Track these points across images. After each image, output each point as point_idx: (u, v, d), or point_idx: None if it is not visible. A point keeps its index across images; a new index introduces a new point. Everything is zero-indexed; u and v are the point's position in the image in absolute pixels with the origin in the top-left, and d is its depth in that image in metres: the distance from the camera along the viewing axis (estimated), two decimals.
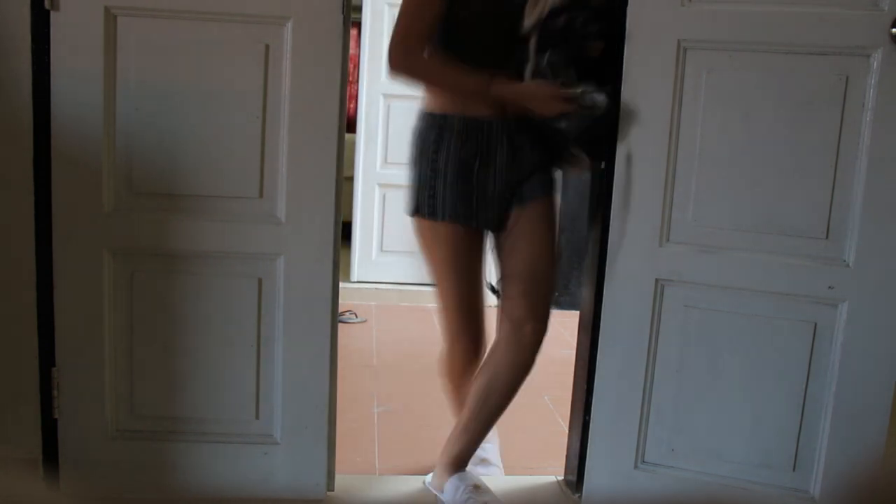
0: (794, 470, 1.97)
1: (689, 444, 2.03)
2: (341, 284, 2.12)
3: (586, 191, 4.11)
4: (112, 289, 1.98)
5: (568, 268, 4.36)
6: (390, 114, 4.28)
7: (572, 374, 2.26)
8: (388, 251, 4.38)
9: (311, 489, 2.08)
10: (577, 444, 2.17)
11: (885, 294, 1.85)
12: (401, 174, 4.26)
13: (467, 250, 2.06)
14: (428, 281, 2.23)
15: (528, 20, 1.89)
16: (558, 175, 2.10)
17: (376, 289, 4.32)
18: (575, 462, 2.18)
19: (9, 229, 1.94)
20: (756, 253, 1.92)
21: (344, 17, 1.92)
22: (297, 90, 1.92)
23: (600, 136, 1.95)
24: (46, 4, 1.86)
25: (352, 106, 4.67)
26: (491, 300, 2.14)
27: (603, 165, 2.05)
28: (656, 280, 1.99)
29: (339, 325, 2.22)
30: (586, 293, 2.19)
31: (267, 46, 1.91)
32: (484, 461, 2.25)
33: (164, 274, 1.99)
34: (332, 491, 2.12)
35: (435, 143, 1.97)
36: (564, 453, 2.27)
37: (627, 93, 1.94)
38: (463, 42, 1.94)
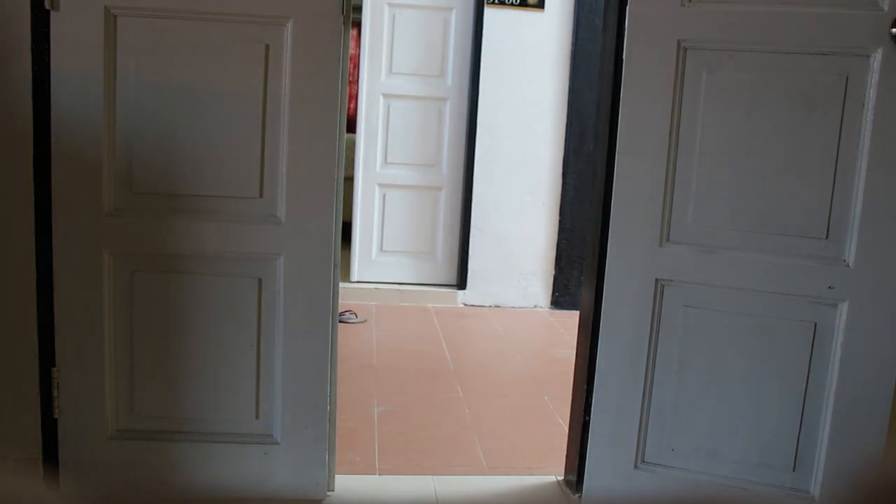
0: (794, 470, 1.97)
1: (689, 444, 2.03)
2: (341, 284, 2.12)
3: (586, 191, 4.12)
4: (112, 289, 1.98)
5: (568, 268, 4.36)
6: (390, 114, 4.28)
7: (572, 374, 2.26)
8: (388, 251, 4.39)
9: (311, 489, 2.08)
10: (577, 444, 2.17)
11: (885, 294, 1.85)
12: (401, 174, 4.32)
13: None
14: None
15: None
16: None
17: (376, 289, 4.32)
18: (575, 462, 2.18)
19: (9, 229, 1.94)
20: (756, 253, 1.92)
21: (344, 17, 1.93)
22: (297, 90, 1.92)
23: None
24: (46, 4, 1.86)
25: (352, 106, 4.68)
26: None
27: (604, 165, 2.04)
28: (656, 280, 1.99)
29: (339, 325, 2.22)
30: (586, 293, 2.18)
31: (267, 46, 1.91)
32: None
33: (164, 274, 1.99)
34: (332, 491, 2.13)
35: None
36: (564, 453, 2.28)
37: (628, 93, 1.94)
38: None
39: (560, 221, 4.31)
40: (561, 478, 2.30)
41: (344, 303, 3.73)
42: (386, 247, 4.39)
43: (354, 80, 4.66)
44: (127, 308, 2.00)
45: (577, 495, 2.16)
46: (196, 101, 1.92)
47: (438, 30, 4.24)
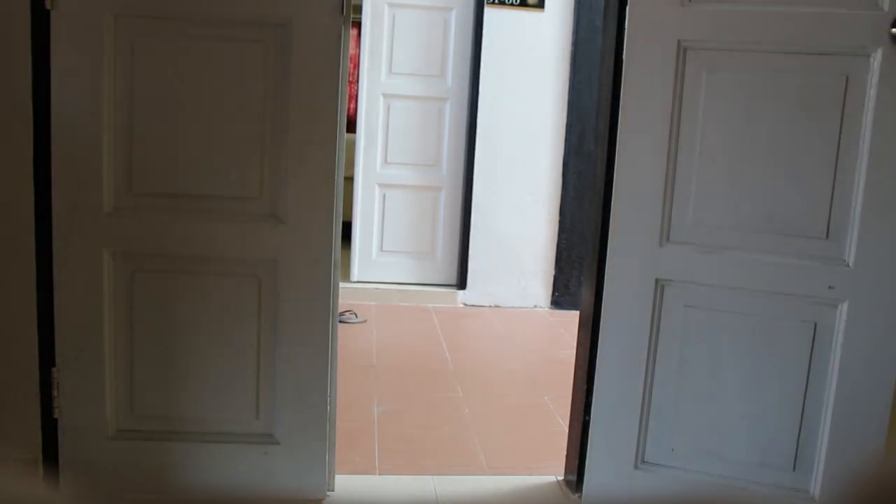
0: (794, 470, 1.97)
1: (689, 444, 2.03)
2: (341, 284, 2.12)
3: (586, 191, 4.12)
4: (112, 289, 1.98)
5: (568, 268, 4.36)
6: (390, 114, 4.28)
7: (572, 374, 2.26)
8: (388, 251, 4.38)
9: (311, 489, 2.08)
10: (577, 444, 2.17)
11: (885, 294, 1.85)
12: (401, 174, 4.32)
13: None
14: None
15: None
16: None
17: (376, 289, 4.32)
18: (575, 462, 2.18)
19: (9, 229, 1.94)
20: (756, 253, 1.92)
21: (344, 17, 1.93)
22: (297, 90, 1.92)
23: None
24: (46, 4, 1.86)
25: (352, 106, 4.67)
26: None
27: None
28: (656, 280, 1.99)
29: (339, 325, 2.22)
30: (586, 293, 2.18)
31: (267, 46, 1.91)
32: None
33: (164, 274, 1.99)
34: (333, 491, 2.12)
35: None
36: (564, 453, 2.27)
37: (628, 93, 1.94)
38: None
39: (560, 221, 4.31)
40: (561, 478, 2.29)
41: (344, 303, 3.73)
42: (386, 247, 4.39)
43: (354, 80, 4.65)
44: (127, 308, 1.99)
45: (577, 495, 2.16)
46: (196, 101, 1.92)
47: (438, 30, 4.23)
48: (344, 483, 2.16)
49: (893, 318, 1.86)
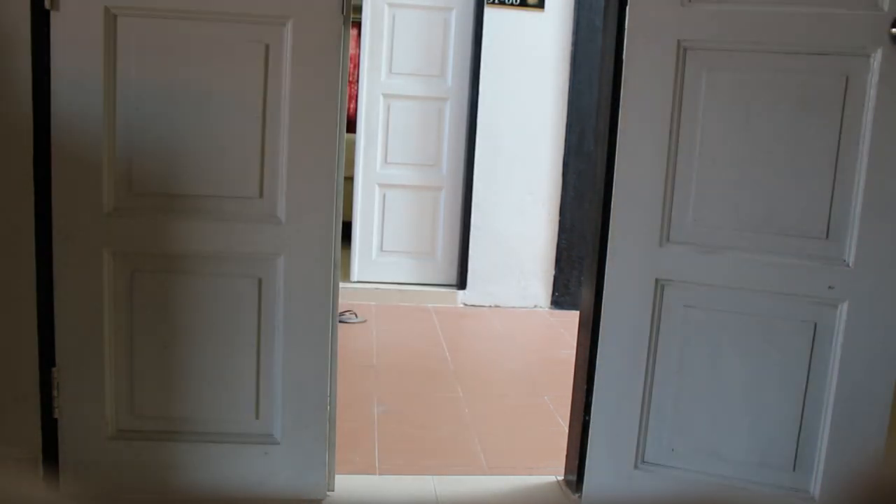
0: (794, 470, 1.97)
1: (689, 444, 2.03)
2: (341, 284, 2.12)
3: (586, 191, 4.13)
4: (112, 289, 1.98)
5: (568, 268, 4.36)
6: (390, 114, 4.28)
7: (572, 374, 2.26)
8: (388, 251, 4.38)
9: (311, 489, 2.08)
10: (577, 444, 2.17)
11: (885, 294, 1.85)
12: (401, 174, 4.32)
13: None
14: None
15: None
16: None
17: (376, 289, 4.32)
18: (575, 462, 2.18)
19: (9, 229, 1.94)
20: (756, 253, 1.92)
21: (344, 17, 1.93)
22: (297, 90, 1.92)
23: None
24: (46, 4, 1.86)
25: (352, 106, 4.68)
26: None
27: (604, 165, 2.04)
28: (656, 280, 1.99)
29: (339, 325, 2.22)
30: (586, 293, 2.18)
31: (267, 46, 1.91)
32: None
33: (164, 274, 1.99)
34: (333, 491, 2.13)
35: None
36: (564, 453, 2.28)
37: (628, 93, 1.94)
38: None
39: (560, 221, 4.31)
40: (561, 478, 2.30)
41: (344, 303, 3.74)
42: (386, 247, 4.39)
43: (354, 80, 4.66)
44: (127, 308, 1.99)
45: (577, 495, 2.16)
46: (196, 100, 1.92)
47: (438, 30, 4.23)
48: (344, 483, 2.16)
49: (893, 318, 1.86)
